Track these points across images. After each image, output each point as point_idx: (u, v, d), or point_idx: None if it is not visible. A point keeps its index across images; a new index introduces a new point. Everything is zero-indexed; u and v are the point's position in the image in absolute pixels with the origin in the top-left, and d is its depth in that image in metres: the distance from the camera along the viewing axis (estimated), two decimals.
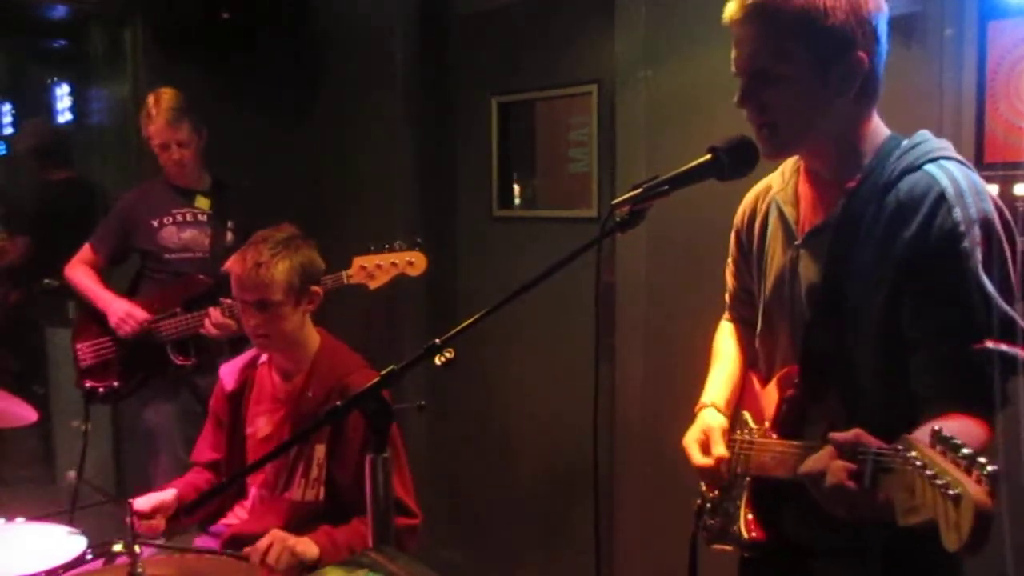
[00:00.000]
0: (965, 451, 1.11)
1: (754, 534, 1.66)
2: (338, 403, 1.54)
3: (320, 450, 2.31)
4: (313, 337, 2.43)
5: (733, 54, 1.57)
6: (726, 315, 2.03)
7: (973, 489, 1.06)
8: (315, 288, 2.39)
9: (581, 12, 3.40)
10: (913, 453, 1.17)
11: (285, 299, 2.30)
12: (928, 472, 1.13)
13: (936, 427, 1.17)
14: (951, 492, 1.08)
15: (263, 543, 2.10)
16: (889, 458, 1.24)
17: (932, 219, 1.45)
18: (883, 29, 1.56)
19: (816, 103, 1.53)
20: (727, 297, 2.01)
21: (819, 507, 1.39)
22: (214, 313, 3.13)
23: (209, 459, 2.50)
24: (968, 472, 1.09)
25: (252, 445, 2.42)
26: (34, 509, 2.50)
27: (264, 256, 2.28)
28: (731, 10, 1.55)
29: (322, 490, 2.30)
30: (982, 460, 1.09)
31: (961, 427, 1.36)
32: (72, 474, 1.77)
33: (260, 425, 2.42)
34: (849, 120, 1.56)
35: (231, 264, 2.36)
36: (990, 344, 1.40)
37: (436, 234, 3.91)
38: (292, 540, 2.11)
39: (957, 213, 1.43)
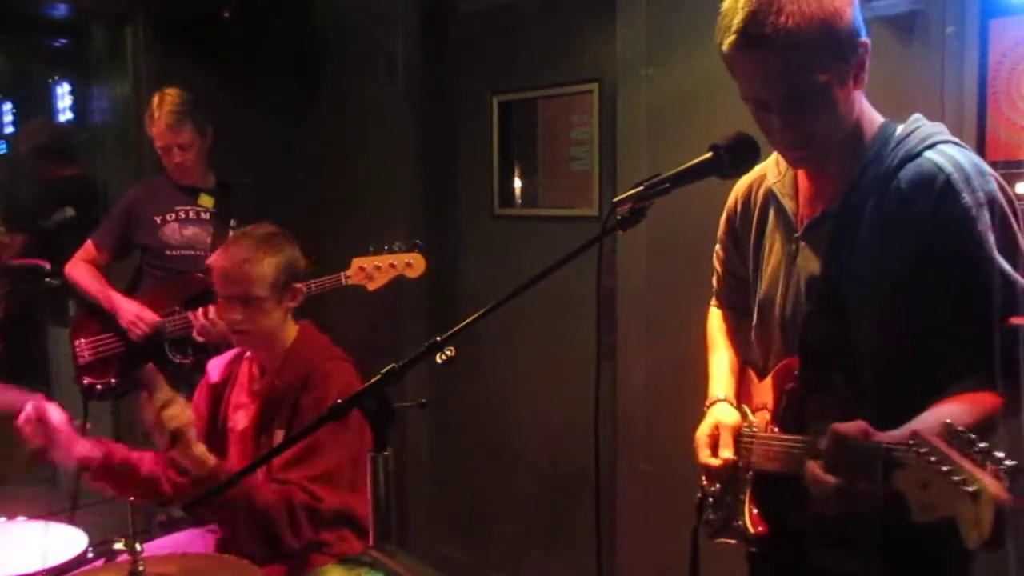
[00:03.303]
0: (980, 445, 1.10)
1: (760, 528, 1.67)
2: (339, 401, 1.54)
3: (279, 435, 2.30)
4: (291, 333, 2.42)
5: (750, 83, 1.51)
6: (714, 301, 2.03)
7: (991, 484, 1.05)
8: (297, 285, 2.40)
9: (582, 10, 3.40)
10: (925, 449, 1.16)
11: (269, 295, 2.31)
12: (944, 468, 1.12)
13: (947, 421, 1.17)
14: (969, 489, 1.07)
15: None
16: (901, 453, 1.23)
17: (942, 207, 1.45)
18: None
19: (847, 102, 1.52)
20: (715, 282, 2.01)
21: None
22: (203, 312, 3.11)
23: None
24: (983, 466, 1.08)
25: (233, 439, 2.42)
26: (35, 508, 2.50)
27: (249, 252, 2.29)
28: (736, 41, 1.46)
29: None
30: (998, 455, 1.08)
31: (979, 399, 1.39)
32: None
33: (239, 419, 2.42)
34: (857, 110, 1.56)
35: (215, 259, 2.35)
36: (1016, 321, 1.40)
37: (437, 232, 3.91)
38: (194, 432, 2.09)
39: (966, 198, 1.44)
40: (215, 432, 2.45)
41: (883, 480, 1.26)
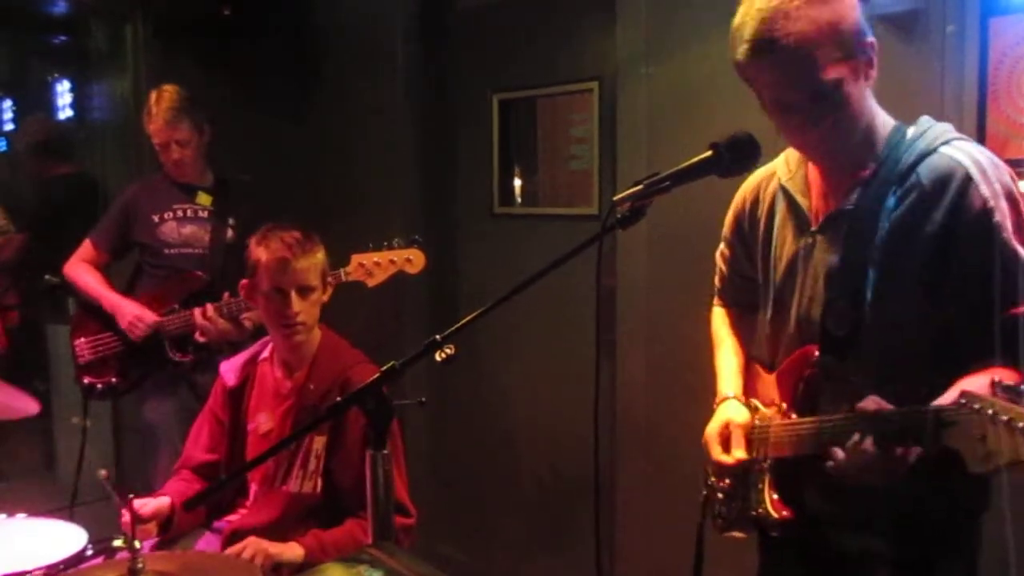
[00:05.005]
0: None
1: (784, 513, 1.69)
2: (339, 399, 1.55)
3: (319, 442, 2.31)
4: (317, 333, 2.44)
5: (770, 88, 1.55)
6: (717, 300, 2.04)
7: None
8: (329, 279, 2.47)
9: (582, 8, 3.39)
10: (978, 404, 1.23)
11: (319, 285, 2.38)
12: (1003, 418, 1.18)
13: (995, 378, 1.24)
14: None
15: (237, 548, 2.12)
16: (952, 412, 1.31)
17: (962, 199, 1.51)
18: None
19: (861, 98, 1.58)
20: (717, 281, 2.02)
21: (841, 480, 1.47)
22: (202, 311, 3.11)
23: (201, 461, 2.47)
24: None
25: (253, 441, 2.42)
26: (35, 505, 2.50)
27: (306, 244, 2.34)
28: (751, 49, 1.52)
29: (319, 482, 2.31)
30: None
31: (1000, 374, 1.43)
32: (104, 472, 1.78)
33: (261, 421, 2.42)
34: (869, 109, 1.61)
35: (275, 252, 2.31)
36: None
37: (437, 231, 3.91)
38: (266, 544, 2.14)
39: (984, 190, 1.51)
40: (235, 435, 2.44)
41: (933, 441, 1.33)
